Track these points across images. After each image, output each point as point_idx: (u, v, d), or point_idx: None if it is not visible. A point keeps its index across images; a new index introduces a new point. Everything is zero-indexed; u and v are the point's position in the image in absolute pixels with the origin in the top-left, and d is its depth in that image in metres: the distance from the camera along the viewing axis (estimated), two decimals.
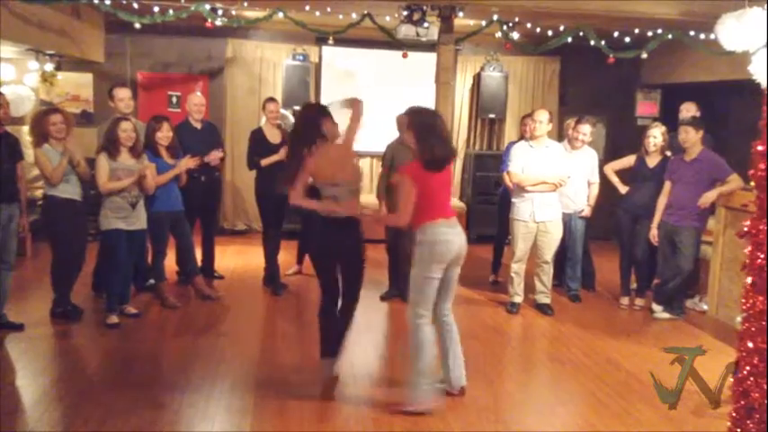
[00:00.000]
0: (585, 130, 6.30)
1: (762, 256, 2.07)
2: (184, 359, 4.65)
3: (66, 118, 5.23)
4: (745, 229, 2.14)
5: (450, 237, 3.96)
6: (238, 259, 7.61)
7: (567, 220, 6.21)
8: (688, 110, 6.61)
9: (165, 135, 5.68)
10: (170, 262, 6.09)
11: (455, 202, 8.77)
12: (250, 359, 4.74)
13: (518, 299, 6.12)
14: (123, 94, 5.92)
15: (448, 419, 3.89)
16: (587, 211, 6.43)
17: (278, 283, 6.35)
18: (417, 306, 3.99)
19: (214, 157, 6.26)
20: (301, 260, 7.00)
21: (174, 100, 9.01)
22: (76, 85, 8.79)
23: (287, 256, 6.94)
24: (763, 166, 2.10)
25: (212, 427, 3.72)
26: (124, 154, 5.27)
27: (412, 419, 3.84)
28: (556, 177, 5.83)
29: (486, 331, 5.59)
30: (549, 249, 6.02)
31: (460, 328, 4.27)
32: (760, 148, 2.11)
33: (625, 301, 6.42)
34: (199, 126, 6.43)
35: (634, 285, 6.47)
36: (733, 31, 5.66)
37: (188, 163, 5.77)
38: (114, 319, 5.23)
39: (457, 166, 9.55)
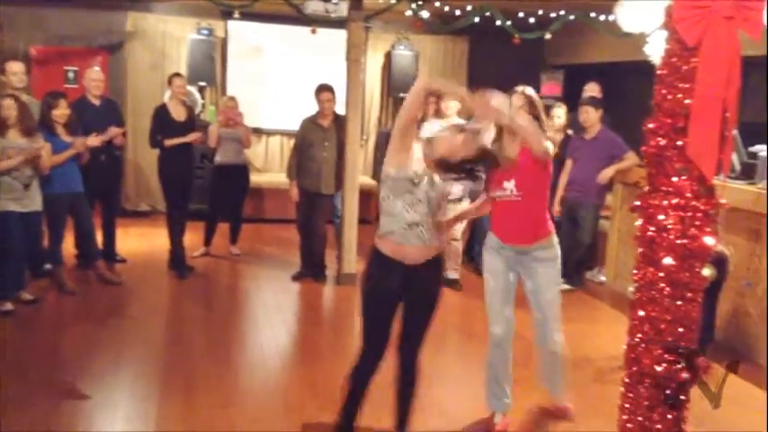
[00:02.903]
0: None
1: (652, 228, 2.17)
2: (85, 347, 4.46)
3: None
4: (637, 203, 2.23)
5: None
6: (142, 242, 7.35)
7: (472, 198, 6.31)
8: (592, 90, 6.84)
9: (61, 113, 5.40)
10: (68, 245, 5.82)
11: (368, 180, 8.77)
12: (155, 344, 4.61)
13: None
14: (16, 68, 5.69)
15: None
16: None
17: (184, 266, 6.18)
18: (559, 322, 3.62)
19: (114, 133, 5.96)
20: (209, 241, 6.84)
21: (72, 75, 8.54)
22: None
23: (193, 237, 6.75)
24: (654, 143, 2.18)
25: (115, 414, 3.60)
26: (12, 132, 4.96)
27: (322, 398, 3.83)
28: None
29: None
30: (458, 226, 6.13)
31: None
32: (651, 125, 2.19)
33: None
34: (97, 103, 6.14)
35: None
36: (631, 13, 5.88)
37: (87, 142, 5.51)
38: (8, 305, 4.97)
39: (369, 145, 9.56)
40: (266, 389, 4.04)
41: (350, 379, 3.16)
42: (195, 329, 4.97)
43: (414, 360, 3.25)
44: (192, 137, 6.16)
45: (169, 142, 6.06)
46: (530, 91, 3.51)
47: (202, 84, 8.62)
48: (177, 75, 6.43)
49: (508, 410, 3.70)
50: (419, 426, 3.53)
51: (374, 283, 3.08)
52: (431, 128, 6.06)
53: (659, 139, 2.16)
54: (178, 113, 6.21)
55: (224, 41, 8.93)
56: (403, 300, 3.10)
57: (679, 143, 2.11)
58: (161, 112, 6.19)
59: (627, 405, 2.29)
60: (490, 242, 3.60)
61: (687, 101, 2.08)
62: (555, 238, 3.53)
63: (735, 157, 5.03)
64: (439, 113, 6.03)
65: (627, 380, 2.28)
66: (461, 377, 4.36)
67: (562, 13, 7.21)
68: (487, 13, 7.14)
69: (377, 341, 3.11)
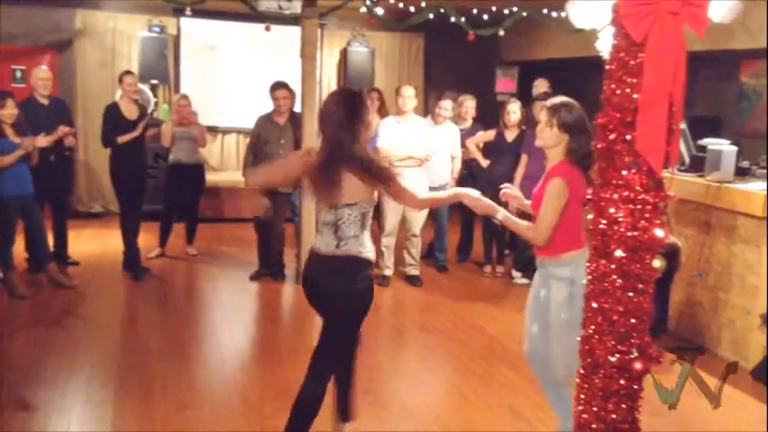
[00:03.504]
0: (447, 105, 6.45)
1: (603, 221, 2.20)
2: (38, 351, 4.35)
3: None
4: (589, 197, 2.27)
5: None
6: (95, 243, 7.19)
7: None
8: (541, 86, 6.93)
9: (9, 112, 5.26)
10: (19, 248, 5.66)
11: None
12: (110, 347, 4.52)
13: (389, 272, 6.22)
14: None
15: None
16: (451, 185, 6.60)
17: (138, 268, 6.06)
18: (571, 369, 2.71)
19: (62, 132, 5.80)
20: (164, 242, 6.72)
21: (19, 74, 8.32)
22: None
23: (148, 238, 6.63)
24: (604, 137, 2.21)
25: (70, 418, 3.53)
26: None
27: (282, 399, 3.81)
28: (422, 152, 5.95)
29: None
30: (417, 223, 6.18)
31: None
32: (601, 120, 2.23)
33: (487, 269, 6.69)
34: (46, 102, 5.99)
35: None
36: (582, 10, 5.96)
37: (36, 142, 5.37)
38: None
39: None
40: (224, 390, 3.99)
41: (306, 405, 2.96)
42: (151, 332, 4.88)
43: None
44: (140, 128, 6.04)
45: (122, 138, 5.95)
46: (553, 101, 3.21)
47: (155, 82, 8.47)
48: (128, 73, 6.31)
49: None
50: (380, 423, 3.54)
51: (371, 298, 2.98)
52: (388, 127, 6.07)
53: (609, 133, 2.19)
54: (130, 112, 6.10)
55: (176, 39, 8.79)
56: None
57: (628, 137, 2.15)
58: (112, 111, 6.07)
59: (582, 396, 2.32)
60: None
61: (635, 95, 2.12)
62: (575, 258, 3.05)
63: (684, 151, 5.15)
64: (383, 112, 6.05)
65: (581, 371, 2.32)
66: (421, 373, 4.37)
67: (515, 9, 7.28)
68: (441, 10, 7.17)
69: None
